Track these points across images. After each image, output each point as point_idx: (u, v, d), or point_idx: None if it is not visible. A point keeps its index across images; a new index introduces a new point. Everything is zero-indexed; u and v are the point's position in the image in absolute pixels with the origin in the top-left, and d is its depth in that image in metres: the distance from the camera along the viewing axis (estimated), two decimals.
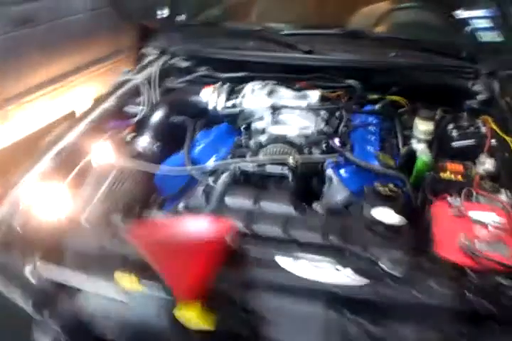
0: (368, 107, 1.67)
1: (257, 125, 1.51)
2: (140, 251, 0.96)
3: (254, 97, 1.57)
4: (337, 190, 1.34)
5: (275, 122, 1.50)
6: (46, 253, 1.11)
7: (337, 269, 0.98)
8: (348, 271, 0.96)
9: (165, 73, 1.84)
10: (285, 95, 1.61)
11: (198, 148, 1.47)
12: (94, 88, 2.98)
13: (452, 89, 1.65)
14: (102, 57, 3.00)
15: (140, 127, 1.56)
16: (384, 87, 1.72)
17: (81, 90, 2.92)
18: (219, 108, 1.59)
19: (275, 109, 1.50)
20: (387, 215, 1.08)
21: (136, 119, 1.61)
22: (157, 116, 1.55)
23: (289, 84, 1.73)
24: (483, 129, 1.43)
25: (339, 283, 0.95)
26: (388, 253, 0.98)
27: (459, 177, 1.26)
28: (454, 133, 1.44)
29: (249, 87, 1.62)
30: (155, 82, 1.70)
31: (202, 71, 1.85)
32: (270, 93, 1.59)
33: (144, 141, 1.48)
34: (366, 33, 1.78)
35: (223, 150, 1.48)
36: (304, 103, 1.54)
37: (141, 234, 0.97)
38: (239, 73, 1.79)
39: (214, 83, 1.76)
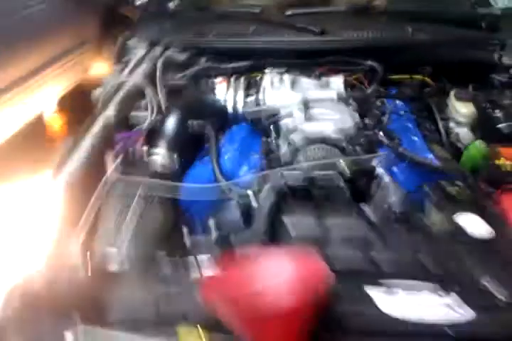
0: (393, 90, 1.55)
1: (286, 123, 1.36)
2: (209, 307, 0.80)
3: (277, 91, 1.41)
4: (390, 191, 1.22)
5: (308, 118, 1.34)
6: (86, 314, 0.88)
7: (440, 295, 0.86)
8: (454, 298, 0.85)
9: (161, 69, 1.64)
10: (308, 85, 1.45)
11: (225, 157, 1.30)
12: (61, 86, 2.71)
13: (477, 64, 1.55)
14: (64, 51, 2.70)
15: (151, 137, 1.37)
16: (404, 66, 1.60)
17: (47, 91, 2.64)
18: (239, 107, 1.42)
19: (306, 104, 1.34)
20: (474, 224, 0.97)
21: (144, 128, 1.42)
22: (171, 122, 1.37)
23: (304, 71, 1.58)
24: None
25: (447, 319, 0.82)
26: (494, 275, 0.87)
27: None
28: (498, 114, 1.34)
29: (267, 80, 1.46)
30: (159, 80, 1.50)
31: (203, 63, 1.65)
32: (292, 85, 1.43)
33: (161, 156, 1.30)
34: (378, 8, 1.63)
35: (254, 157, 1.32)
36: (332, 93, 1.40)
37: (212, 286, 0.81)
38: (246, 62, 1.62)
39: (219, 75, 1.61)
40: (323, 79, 1.52)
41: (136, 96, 1.50)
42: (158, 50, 1.70)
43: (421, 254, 0.95)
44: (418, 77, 1.57)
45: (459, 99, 1.39)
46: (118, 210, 1.17)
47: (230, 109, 1.43)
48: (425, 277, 0.91)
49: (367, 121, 1.33)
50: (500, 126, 1.33)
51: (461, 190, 1.09)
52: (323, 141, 1.29)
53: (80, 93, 2.58)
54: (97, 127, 1.35)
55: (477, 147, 1.26)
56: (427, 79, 1.58)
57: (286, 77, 1.47)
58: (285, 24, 1.63)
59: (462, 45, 1.57)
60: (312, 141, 1.30)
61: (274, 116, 1.39)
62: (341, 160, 1.17)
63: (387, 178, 1.22)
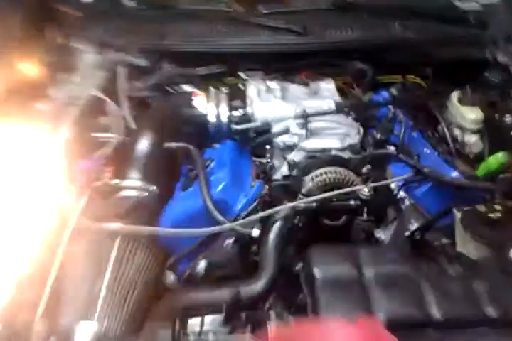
0: (385, 93, 1.40)
1: (283, 140, 1.16)
2: None
3: (267, 103, 1.21)
4: (411, 215, 1.07)
5: (308, 134, 1.15)
6: None
7: None
8: None
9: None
10: (299, 94, 1.26)
11: (218, 187, 1.07)
12: None
13: (470, 62, 1.43)
14: None
15: (120, 165, 1.13)
16: (392, 66, 1.45)
17: None
18: (223, 122, 1.20)
19: (304, 117, 1.15)
20: None
21: (109, 151, 1.17)
22: (143, 145, 1.12)
23: (286, 76, 1.39)
24: None
25: None
26: None
27: None
28: (509, 119, 1.23)
29: (252, 89, 1.25)
30: (122, 92, 1.25)
31: (168, 69, 1.41)
32: (282, 94, 1.24)
33: (137, 189, 1.05)
34: (362, 4, 1.47)
35: (251, 183, 1.11)
36: (329, 103, 1.22)
37: None
38: (219, 67, 1.41)
39: (188, 83, 1.38)
40: (312, 85, 1.34)
41: (94, 113, 1.24)
42: (111, 54, 1.43)
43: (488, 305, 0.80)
44: (411, 78, 1.43)
45: (464, 103, 1.26)
46: (91, 267, 0.93)
47: (211, 125, 1.21)
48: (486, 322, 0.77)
49: (378, 135, 1.16)
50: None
51: (503, 214, 0.95)
52: (331, 161, 1.11)
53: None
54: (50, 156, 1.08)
55: (499, 160, 1.13)
56: (419, 80, 1.44)
57: (275, 86, 1.27)
58: (262, 24, 1.42)
59: (453, 43, 1.45)
60: (317, 161, 1.12)
61: (266, 133, 1.19)
62: (365, 189, 1.00)
63: (408, 202, 1.08)
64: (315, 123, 1.17)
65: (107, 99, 1.23)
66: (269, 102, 1.21)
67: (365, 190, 1.01)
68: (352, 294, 0.80)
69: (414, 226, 1.08)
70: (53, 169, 1.01)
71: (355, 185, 1.06)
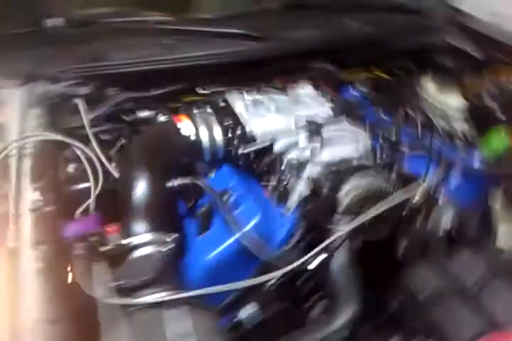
0: (353, 90, 1.34)
1: (294, 157, 1.04)
2: None
3: (263, 119, 1.07)
4: (447, 211, 1.02)
5: (322, 146, 1.04)
6: None
7: None
8: None
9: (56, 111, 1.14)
10: (286, 104, 1.14)
11: (251, 223, 0.92)
12: None
13: (424, 49, 1.44)
14: None
15: (119, 217, 0.91)
16: (353, 63, 1.40)
17: None
18: (219, 146, 1.04)
19: (312, 128, 1.03)
20: None
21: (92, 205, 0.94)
22: (141, 187, 0.91)
23: (251, 85, 1.26)
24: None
25: None
26: None
27: None
28: (491, 103, 1.24)
29: (239, 105, 1.10)
30: (89, 128, 1.01)
31: (118, 95, 1.19)
32: (274, 106, 1.10)
33: (153, 244, 0.86)
34: (313, 2, 1.40)
35: (283, 211, 0.97)
36: (326, 109, 1.12)
37: None
38: (175, 85, 1.23)
39: (144, 108, 1.18)
40: (290, 92, 1.22)
41: (54, 161, 0.99)
42: (41, 87, 1.16)
43: None
44: (374, 72, 1.39)
45: (443, 91, 1.25)
46: None
47: (206, 152, 1.03)
48: None
49: (391, 137, 1.08)
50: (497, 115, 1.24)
51: None
52: (354, 168, 1.01)
53: None
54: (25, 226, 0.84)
55: (501, 137, 1.13)
56: (382, 74, 1.41)
57: (261, 98, 1.12)
58: (213, 31, 1.26)
59: (407, 32, 1.44)
60: (342, 174, 1.01)
61: (267, 151, 1.04)
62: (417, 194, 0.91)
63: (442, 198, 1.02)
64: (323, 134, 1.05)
65: (70, 140, 0.98)
66: (265, 117, 1.07)
67: (417, 195, 0.93)
68: None
69: (444, 221, 1.02)
70: None
71: (391, 193, 0.97)
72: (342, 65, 1.36)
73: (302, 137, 1.04)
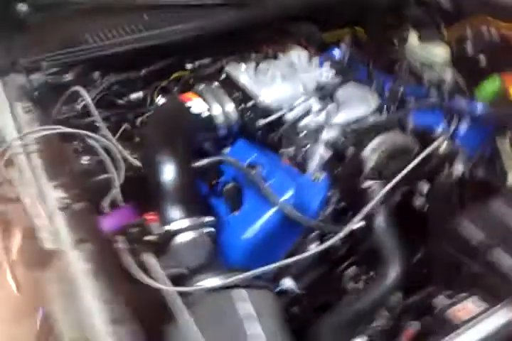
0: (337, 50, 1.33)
1: (310, 122, 1.03)
2: None
3: (272, 87, 1.04)
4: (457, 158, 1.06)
5: (337, 108, 1.04)
6: None
7: None
8: None
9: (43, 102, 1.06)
10: (286, 69, 1.12)
11: (288, 194, 0.91)
12: None
13: (395, 7, 1.44)
14: None
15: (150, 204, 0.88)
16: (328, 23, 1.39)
17: None
18: (235, 119, 1.01)
19: (327, 91, 1.02)
20: None
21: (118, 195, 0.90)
22: (171, 172, 0.88)
23: (240, 55, 1.23)
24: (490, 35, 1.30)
25: None
26: None
27: None
28: (471, 50, 1.28)
29: (244, 77, 1.06)
30: (99, 118, 0.95)
31: (104, 78, 1.13)
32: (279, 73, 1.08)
33: (194, 231, 0.84)
34: None
35: (312, 177, 0.96)
36: (326, 71, 1.11)
37: None
38: (163, 62, 1.17)
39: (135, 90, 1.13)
40: (283, 58, 1.20)
41: (65, 155, 0.93)
42: (21, 78, 1.07)
43: None
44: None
45: (427, 41, 1.27)
46: None
47: (221, 127, 1.00)
48: None
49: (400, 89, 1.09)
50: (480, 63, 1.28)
51: None
52: (375, 128, 1.02)
53: None
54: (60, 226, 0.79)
55: (494, 83, 1.17)
56: (359, 30, 1.41)
57: (262, 66, 1.10)
58: (194, 2, 1.21)
59: None
60: (358, 131, 1.01)
61: (283, 119, 1.03)
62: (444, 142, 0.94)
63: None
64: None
65: (82, 131, 0.91)
66: (272, 85, 1.04)
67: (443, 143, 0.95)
68: None
69: (460, 168, 1.05)
70: None
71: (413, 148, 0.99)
72: (324, 26, 1.34)
73: (315, 101, 1.03)
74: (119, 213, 0.85)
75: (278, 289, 0.94)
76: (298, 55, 1.19)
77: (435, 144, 0.96)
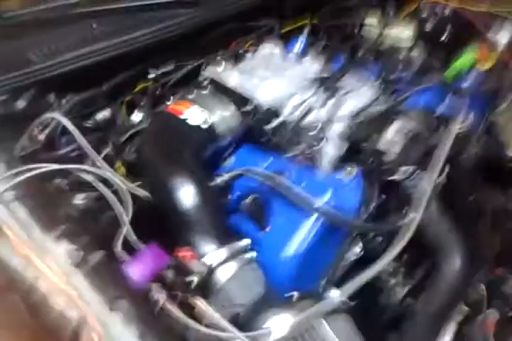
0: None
1: (314, 118, 0.94)
2: None
3: (265, 87, 0.94)
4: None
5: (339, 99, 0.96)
6: None
7: None
8: None
9: None
10: (273, 66, 1.03)
11: (327, 196, 0.82)
12: None
13: None
14: None
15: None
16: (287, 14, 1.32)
17: None
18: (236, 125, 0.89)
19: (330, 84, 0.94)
20: None
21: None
22: (192, 196, 0.75)
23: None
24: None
25: None
26: None
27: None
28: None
29: (233, 78, 0.95)
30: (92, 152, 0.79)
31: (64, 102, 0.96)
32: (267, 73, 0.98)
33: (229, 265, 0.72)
34: None
35: (344, 173, 0.87)
36: (313, 64, 1.04)
37: None
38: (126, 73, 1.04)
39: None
40: (257, 54, 1.10)
41: (53, 196, 0.76)
42: None
43: None
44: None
45: (390, 24, 1.23)
46: None
47: (224, 136, 0.89)
48: None
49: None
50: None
51: None
52: (384, 114, 0.95)
53: None
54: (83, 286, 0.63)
55: (470, 59, 1.16)
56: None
57: (243, 66, 0.99)
58: (143, 3, 1.07)
59: None
60: (369, 122, 0.94)
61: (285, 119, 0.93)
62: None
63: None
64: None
65: (76, 166, 0.74)
66: (266, 84, 0.94)
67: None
68: None
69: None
70: None
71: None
72: (283, 18, 1.26)
73: (316, 95, 0.94)
74: (143, 256, 0.69)
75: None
76: (270, 50, 1.10)
77: (458, 125, 0.90)
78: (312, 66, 1.02)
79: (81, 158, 0.85)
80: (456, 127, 0.91)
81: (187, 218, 0.73)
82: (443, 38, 1.24)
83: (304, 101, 0.93)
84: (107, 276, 0.65)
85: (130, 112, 1.03)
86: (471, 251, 0.79)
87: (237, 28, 1.18)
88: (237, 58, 1.09)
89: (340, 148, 0.93)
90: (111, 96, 1.01)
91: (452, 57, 1.18)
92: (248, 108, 0.89)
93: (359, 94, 0.98)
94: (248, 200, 0.83)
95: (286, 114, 0.90)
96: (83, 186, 0.77)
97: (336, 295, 0.80)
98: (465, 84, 1.09)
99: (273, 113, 0.90)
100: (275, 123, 0.88)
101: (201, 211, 0.73)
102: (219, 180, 0.80)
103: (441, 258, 0.81)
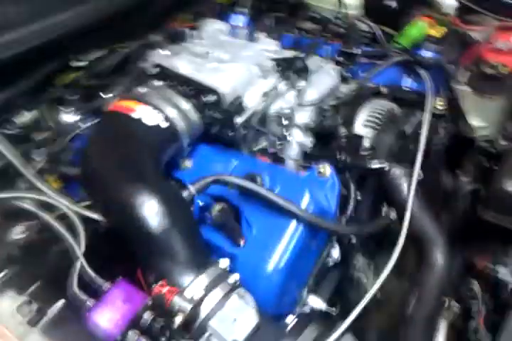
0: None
1: (279, 106, 0.84)
2: None
3: (223, 74, 0.82)
4: None
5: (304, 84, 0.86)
6: None
7: None
8: None
9: None
10: (227, 48, 0.90)
11: (305, 200, 0.73)
12: None
13: None
14: None
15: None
16: None
17: None
18: (197, 121, 0.77)
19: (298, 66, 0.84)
20: None
21: None
22: (162, 216, 0.63)
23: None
24: None
25: None
26: None
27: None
28: None
29: (184, 66, 0.81)
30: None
31: None
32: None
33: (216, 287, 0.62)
34: None
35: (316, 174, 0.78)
36: (273, 43, 0.93)
37: None
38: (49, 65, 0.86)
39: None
40: (201, 31, 0.97)
41: None
42: None
43: None
44: None
45: None
46: None
47: (184, 135, 0.76)
48: None
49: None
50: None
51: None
52: (355, 99, 0.87)
53: None
54: None
55: (421, 26, 1.10)
56: None
57: (196, 49, 0.86)
58: None
59: None
60: (338, 106, 0.86)
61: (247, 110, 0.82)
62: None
63: None
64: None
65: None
66: (223, 71, 0.81)
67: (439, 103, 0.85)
68: None
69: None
70: None
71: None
72: None
73: (279, 80, 0.83)
74: (111, 298, 0.57)
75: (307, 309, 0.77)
76: (216, 25, 0.97)
77: (431, 105, 0.84)
78: (269, 45, 0.90)
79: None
80: (435, 105, 0.85)
81: (155, 243, 0.61)
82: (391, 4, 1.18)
83: (274, 88, 0.82)
84: (70, 330, 0.52)
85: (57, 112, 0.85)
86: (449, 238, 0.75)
87: (170, 4, 1.03)
88: (178, 37, 0.94)
89: (309, 138, 0.84)
90: (32, 95, 0.83)
91: (403, 24, 1.12)
92: (210, 99, 0.76)
93: (323, 77, 0.88)
94: (215, 210, 0.72)
95: (255, 104, 0.78)
96: (21, 215, 0.61)
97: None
98: (425, 55, 1.03)
99: (239, 103, 0.78)
100: (246, 115, 0.76)
101: (172, 233, 0.62)
102: (192, 190, 0.67)
103: (429, 249, 0.76)
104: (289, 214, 0.69)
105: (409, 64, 0.96)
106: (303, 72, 0.83)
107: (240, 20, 1.08)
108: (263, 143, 0.85)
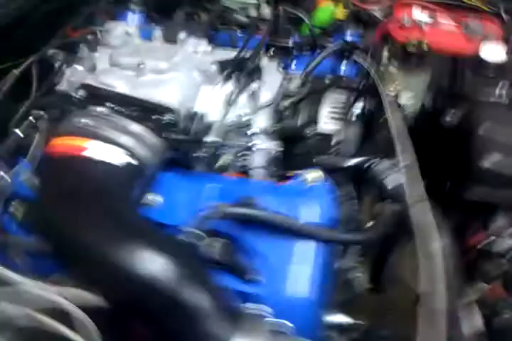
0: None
1: (235, 116, 0.74)
2: None
3: (169, 87, 0.69)
4: None
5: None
6: None
7: None
8: None
9: None
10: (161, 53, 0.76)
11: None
12: None
13: None
14: None
15: None
16: None
17: None
18: (158, 150, 0.64)
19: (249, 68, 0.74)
20: None
21: None
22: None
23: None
24: None
25: None
26: None
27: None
28: None
29: (122, 86, 0.67)
30: None
31: None
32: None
33: None
34: None
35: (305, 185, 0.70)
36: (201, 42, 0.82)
37: None
38: None
39: None
40: (110, 37, 0.81)
41: None
42: None
43: None
44: None
45: None
46: None
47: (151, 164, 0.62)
48: None
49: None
50: None
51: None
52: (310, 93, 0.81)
53: None
54: None
55: (331, 9, 1.08)
56: None
57: (115, 56, 0.71)
58: None
59: None
60: (295, 104, 0.79)
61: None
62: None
63: None
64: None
65: None
66: (167, 84, 0.68)
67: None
68: None
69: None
70: None
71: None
72: None
73: (229, 85, 0.73)
74: None
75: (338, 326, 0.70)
76: (123, 30, 0.82)
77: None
78: (199, 46, 0.78)
79: None
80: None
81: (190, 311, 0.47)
82: None
83: (227, 95, 0.70)
84: None
85: None
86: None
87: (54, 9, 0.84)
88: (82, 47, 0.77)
89: (274, 142, 0.76)
90: None
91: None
92: (165, 118, 0.62)
93: (272, 74, 0.79)
94: (218, 248, 0.59)
95: (217, 115, 0.66)
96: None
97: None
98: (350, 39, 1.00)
99: (201, 117, 0.66)
100: (214, 130, 0.64)
101: (202, 297, 0.48)
102: (198, 232, 0.54)
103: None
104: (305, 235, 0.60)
105: (346, 51, 0.91)
106: (255, 73, 0.73)
107: (137, 19, 0.92)
108: (224, 158, 0.73)
